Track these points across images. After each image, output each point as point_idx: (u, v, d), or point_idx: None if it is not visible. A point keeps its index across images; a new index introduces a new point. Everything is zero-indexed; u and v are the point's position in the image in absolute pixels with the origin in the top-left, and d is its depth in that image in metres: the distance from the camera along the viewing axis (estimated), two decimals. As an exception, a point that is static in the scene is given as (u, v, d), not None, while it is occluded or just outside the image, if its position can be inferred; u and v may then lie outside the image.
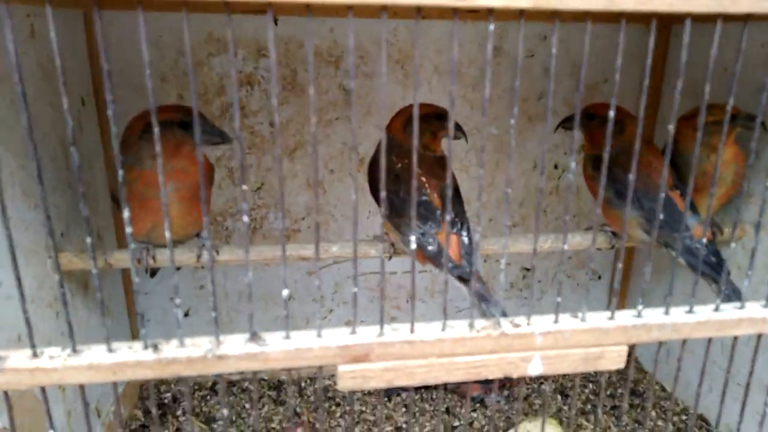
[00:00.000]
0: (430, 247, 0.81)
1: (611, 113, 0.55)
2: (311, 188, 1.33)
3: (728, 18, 0.52)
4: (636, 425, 1.30)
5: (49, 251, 0.80)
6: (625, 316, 0.62)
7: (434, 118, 0.93)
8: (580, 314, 0.61)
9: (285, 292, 0.54)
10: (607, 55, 1.33)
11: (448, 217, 0.56)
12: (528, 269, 1.53)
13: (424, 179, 0.89)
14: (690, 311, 0.64)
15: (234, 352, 0.54)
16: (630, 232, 0.97)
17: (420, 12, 0.49)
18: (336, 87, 1.27)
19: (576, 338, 0.60)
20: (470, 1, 0.49)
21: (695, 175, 1.01)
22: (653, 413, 1.35)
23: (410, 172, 0.88)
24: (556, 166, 1.44)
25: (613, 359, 0.63)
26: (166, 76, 1.20)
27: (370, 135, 1.32)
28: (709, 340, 0.65)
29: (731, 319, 0.64)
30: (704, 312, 0.64)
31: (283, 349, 0.54)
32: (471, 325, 0.58)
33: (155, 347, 0.53)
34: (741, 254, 1.12)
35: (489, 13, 0.51)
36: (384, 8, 0.48)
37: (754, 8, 0.54)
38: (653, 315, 0.63)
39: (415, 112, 0.52)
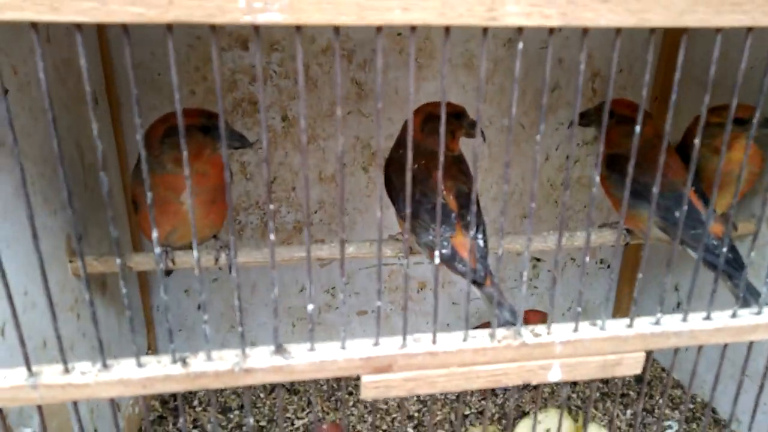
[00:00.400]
0: (444, 251, 0.81)
1: (637, 128, 0.55)
2: (323, 182, 1.33)
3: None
4: (644, 413, 1.32)
5: (69, 255, 0.82)
6: (644, 324, 0.63)
7: (452, 116, 0.92)
8: (599, 322, 0.62)
9: (310, 307, 0.55)
10: (623, 45, 1.32)
11: (477, 235, 0.56)
12: (539, 259, 1.54)
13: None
14: (707, 317, 0.65)
15: (260, 365, 0.55)
16: (646, 229, 0.97)
17: (448, 31, 0.49)
18: (349, 81, 1.26)
19: (595, 346, 0.61)
20: (500, 21, 0.49)
21: (710, 174, 1.01)
22: (660, 401, 1.37)
23: (427, 173, 0.88)
24: (567, 157, 1.44)
25: (631, 365, 0.64)
26: (177, 71, 1.19)
27: (383, 128, 1.32)
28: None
29: (748, 325, 0.65)
30: (721, 318, 0.65)
31: (308, 361, 0.55)
32: (492, 336, 0.59)
33: (183, 361, 0.54)
34: (755, 253, 1.11)
35: (519, 32, 0.50)
36: (413, 28, 0.48)
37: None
38: (671, 322, 0.63)
39: (443, 118, 0.51)
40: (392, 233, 1.06)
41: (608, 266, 1.60)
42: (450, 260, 0.82)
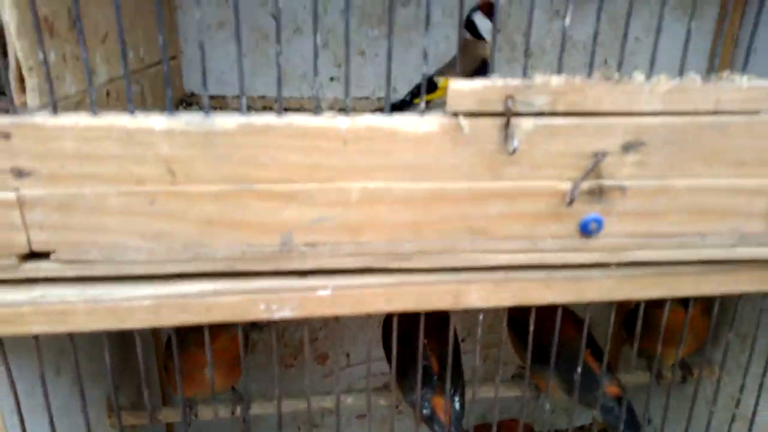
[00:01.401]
0: (425, 411, 0.90)
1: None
2: (327, 303, 1.46)
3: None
4: None
5: (108, 411, 0.95)
6: None
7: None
8: None
9: None
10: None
11: (454, 397, 0.68)
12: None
13: (426, 341, 0.98)
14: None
15: None
16: (552, 392, 1.02)
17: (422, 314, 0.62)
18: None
19: None
20: (465, 304, 0.62)
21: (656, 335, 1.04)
22: None
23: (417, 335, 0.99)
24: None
25: None
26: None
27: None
28: None
29: None
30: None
31: None
32: None
33: None
34: (709, 389, 1.20)
35: (480, 311, 0.64)
36: (369, 316, 0.61)
37: (697, 291, 0.66)
38: None
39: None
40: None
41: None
42: (429, 420, 0.91)
